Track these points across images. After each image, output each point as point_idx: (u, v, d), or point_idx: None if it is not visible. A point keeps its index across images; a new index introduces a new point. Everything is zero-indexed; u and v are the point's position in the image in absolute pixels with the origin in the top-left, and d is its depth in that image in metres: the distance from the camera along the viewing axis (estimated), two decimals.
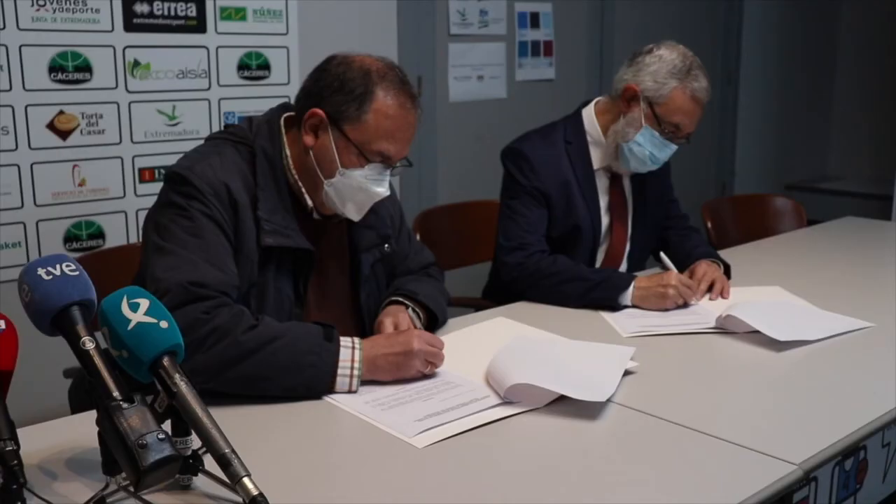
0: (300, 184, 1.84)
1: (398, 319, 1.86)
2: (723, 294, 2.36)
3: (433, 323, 2.02)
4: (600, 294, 2.27)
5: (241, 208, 1.75)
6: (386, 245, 2.01)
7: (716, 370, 1.90)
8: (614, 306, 2.26)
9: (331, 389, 1.64)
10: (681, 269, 2.42)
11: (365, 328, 1.96)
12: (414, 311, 1.95)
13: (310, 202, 1.85)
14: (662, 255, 2.43)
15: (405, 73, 1.84)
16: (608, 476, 1.38)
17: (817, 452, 1.43)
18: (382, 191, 1.83)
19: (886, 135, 5.20)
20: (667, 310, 2.24)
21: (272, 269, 1.80)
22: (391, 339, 1.73)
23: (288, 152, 1.84)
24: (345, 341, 1.67)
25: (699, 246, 2.61)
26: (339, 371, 1.64)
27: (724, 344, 2.03)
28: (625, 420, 1.58)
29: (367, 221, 1.95)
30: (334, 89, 1.78)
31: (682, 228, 2.72)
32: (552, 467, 1.40)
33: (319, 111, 1.78)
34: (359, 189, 1.80)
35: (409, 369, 1.70)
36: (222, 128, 2.43)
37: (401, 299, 1.96)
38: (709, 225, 3.48)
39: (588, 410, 1.58)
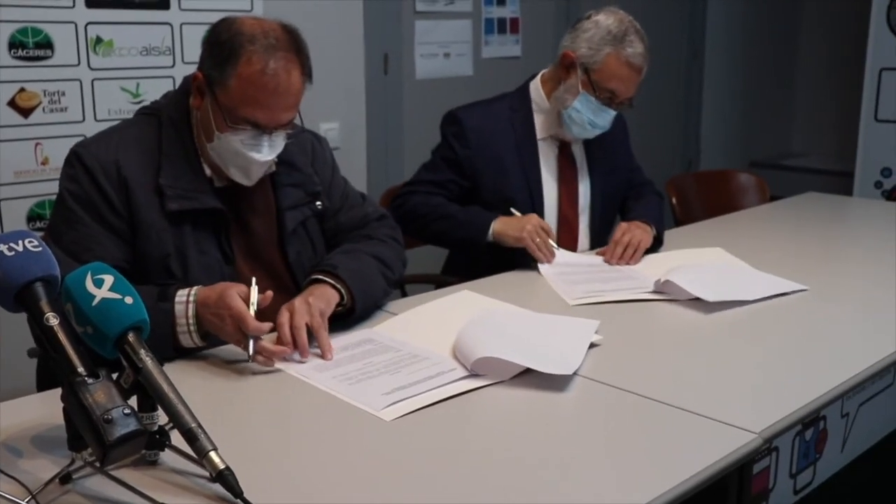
0: (200, 149, 1.85)
1: (292, 308, 1.73)
2: (631, 260, 2.39)
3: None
4: (465, 233, 2.40)
5: (134, 183, 1.77)
6: (317, 202, 2.01)
7: (669, 339, 1.92)
8: (479, 243, 2.37)
9: (179, 347, 1.67)
10: None
11: (299, 285, 1.95)
12: (335, 287, 1.83)
13: (207, 170, 1.85)
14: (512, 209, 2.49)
15: (292, 36, 1.78)
16: (572, 447, 1.39)
17: (777, 421, 1.46)
18: (258, 156, 1.79)
19: (849, 113, 5.25)
20: (525, 247, 2.32)
21: (189, 232, 1.81)
22: (217, 292, 1.66)
23: (193, 120, 1.86)
24: (180, 296, 1.67)
25: (636, 208, 2.64)
26: (178, 329, 1.65)
27: (670, 312, 2.06)
28: (587, 391, 1.60)
29: (291, 180, 1.97)
30: (208, 52, 1.79)
31: (640, 194, 2.74)
32: (519, 439, 1.42)
33: (199, 73, 1.80)
34: (235, 154, 1.79)
35: (224, 335, 1.66)
36: None
37: (319, 276, 1.85)
38: (674, 201, 3.52)
39: (552, 383, 1.59)
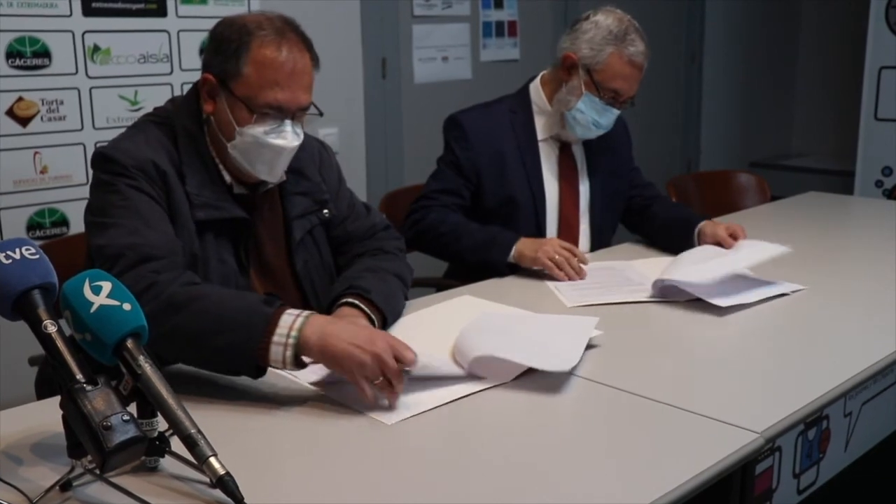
0: (216, 157, 1.83)
1: None
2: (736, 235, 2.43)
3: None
4: (485, 254, 2.36)
5: (171, 179, 1.75)
6: (325, 210, 2.00)
7: (670, 340, 1.92)
8: (500, 265, 2.34)
9: (263, 357, 1.50)
10: (669, 234, 2.52)
11: (306, 295, 1.95)
12: (367, 315, 1.79)
13: (227, 176, 1.84)
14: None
15: (295, 23, 1.80)
16: (573, 449, 1.39)
17: (779, 420, 1.45)
18: (284, 143, 1.78)
19: (849, 112, 5.25)
20: (542, 268, 2.29)
21: (211, 240, 1.80)
22: (356, 330, 1.55)
23: (206, 128, 1.84)
24: (291, 311, 1.54)
25: (683, 209, 2.68)
26: (275, 338, 1.50)
27: (670, 313, 2.05)
28: (588, 393, 1.60)
29: (299, 188, 1.96)
30: (216, 51, 1.78)
31: (651, 196, 2.76)
32: (521, 441, 1.42)
33: (209, 75, 1.78)
34: (260, 145, 1.77)
35: (356, 367, 1.48)
36: None
37: (354, 301, 1.81)
38: (674, 201, 3.50)
39: (554, 385, 1.59)
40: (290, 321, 1.52)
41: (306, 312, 1.55)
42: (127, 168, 1.72)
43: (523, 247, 2.33)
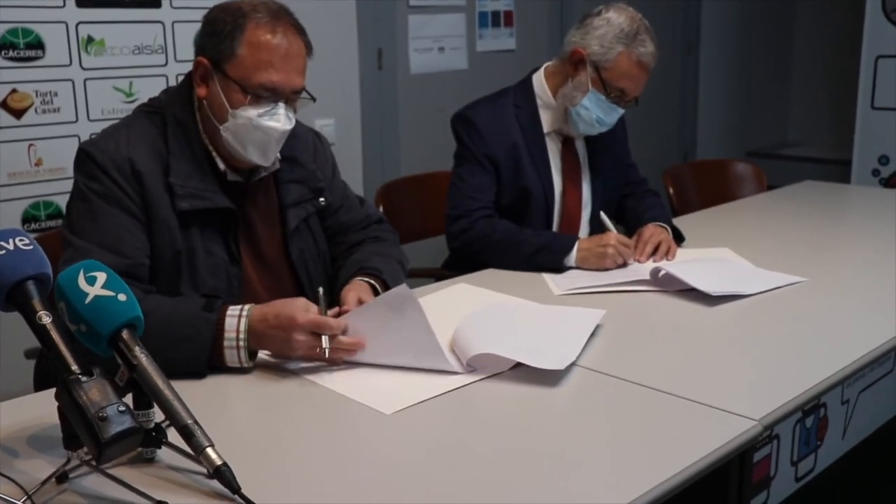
0: (209, 145, 1.83)
1: (363, 296, 1.80)
2: (668, 256, 2.37)
3: None
4: (544, 259, 2.31)
5: (148, 178, 1.75)
6: (321, 198, 2.01)
7: (668, 329, 1.92)
8: (559, 269, 2.29)
9: (219, 363, 1.60)
10: (633, 234, 2.45)
11: (302, 284, 1.95)
12: (377, 291, 1.87)
13: (221, 164, 1.83)
14: (602, 215, 2.45)
15: (288, 9, 1.81)
16: (572, 437, 1.39)
17: (777, 408, 1.45)
18: (277, 125, 1.78)
19: (845, 101, 5.25)
20: (607, 269, 2.27)
21: (197, 232, 1.79)
22: (276, 309, 1.63)
23: (199, 115, 1.84)
24: (232, 310, 1.62)
25: (650, 209, 2.63)
26: (226, 343, 1.59)
27: (669, 302, 2.05)
28: (585, 382, 1.59)
29: (294, 176, 1.96)
30: (209, 34, 1.79)
31: (639, 193, 2.74)
32: (518, 430, 1.41)
33: (202, 59, 1.79)
34: (253, 128, 1.77)
35: (293, 347, 1.61)
36: None
37: (368, 279, 1.89)
38: (670, 191, 3.51)
39: (551, 374, 1.58)
40: (234, 324, 1.61)
41: (246, 310, 1.62)
42: (103, 169, 1.73)
43: (586, 253, 2.29)
